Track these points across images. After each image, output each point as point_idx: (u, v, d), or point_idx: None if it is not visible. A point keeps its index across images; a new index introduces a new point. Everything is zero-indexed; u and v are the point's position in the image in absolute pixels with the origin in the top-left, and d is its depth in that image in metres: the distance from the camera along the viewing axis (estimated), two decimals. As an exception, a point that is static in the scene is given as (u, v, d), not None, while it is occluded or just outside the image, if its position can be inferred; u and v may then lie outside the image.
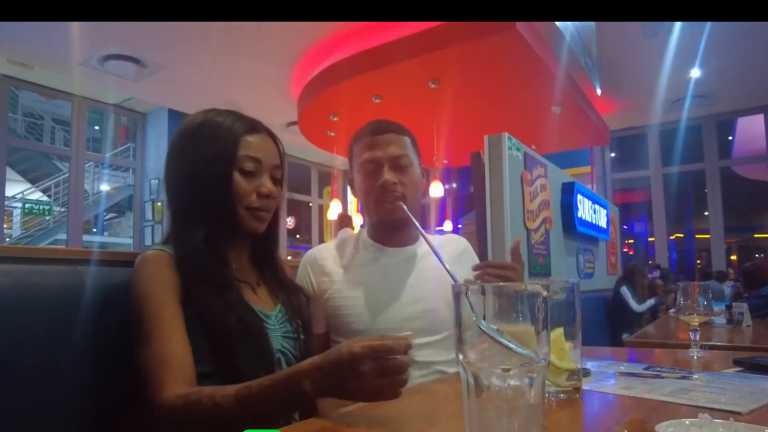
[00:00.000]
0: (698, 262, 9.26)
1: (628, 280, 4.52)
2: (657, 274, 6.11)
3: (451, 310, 1.19)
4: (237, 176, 0.94)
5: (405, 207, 1.07)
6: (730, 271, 6.78)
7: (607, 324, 4.28)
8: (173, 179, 0.98)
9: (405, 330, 1.11)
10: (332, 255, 1.23)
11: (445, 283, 1.16)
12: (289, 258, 1.27)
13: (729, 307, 2.75)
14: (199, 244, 0.91)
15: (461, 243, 1.33)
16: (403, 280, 1.17)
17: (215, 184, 0.93)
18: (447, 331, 1.14)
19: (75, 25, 4.14)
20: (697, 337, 1.16)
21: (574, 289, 0.73)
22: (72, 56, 4.72)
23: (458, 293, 0.46)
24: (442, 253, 1.16)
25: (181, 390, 0.78)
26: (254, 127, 0.98)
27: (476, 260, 1.29)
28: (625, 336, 3.80)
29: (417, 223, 1.03)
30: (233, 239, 0.98)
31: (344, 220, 5.94)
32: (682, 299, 1.20)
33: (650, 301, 4.49)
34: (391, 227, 1.21)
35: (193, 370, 0.83)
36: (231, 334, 0.85)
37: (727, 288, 5.88)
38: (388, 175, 1.14)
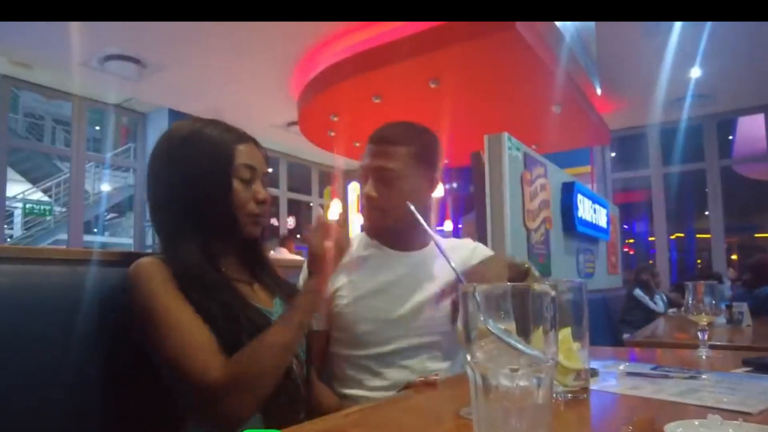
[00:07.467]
0: (698, 261, 9.25)
1: (639, 282, 4.58)
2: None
3: (447, 313, 1.17)
4: (236, 184, 0.94)
5: (415, 210, 1.02)
6: (731, 270, 6.76)
7: (607, 324, 4.27)
8: (162, 191, 0.97)
9: (402, 332, 1.12)
10: None
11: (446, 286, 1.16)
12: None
13: (729, 307, 2.75)
14: (194, 251, 0.91)
15: (473, 246, 1.31)
16: (404, 283, 1.17)
17: (216, 194, 0.93)
18: (441, 335, 1.13)
19: (75, 25, 4.13)
20: (706, 337, 1.15)
21: (582, 289, 0.73)
22: (72, 56, 4.70)
23: (466, 293, 0.45)
24: (453, 257, 1.16)
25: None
26: (242, 136, 0.99)
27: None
28: (626, 336, 3.80)
29: (426, 225, 1.01)
30: (225, 244, 0.98)
31: (284, 241, 5.75)
32: (689, 299, 1.20)
33: (658, 298, 4.57)
34: (383, 233, 1.21)
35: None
36: (241, 332, 0.85)
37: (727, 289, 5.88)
38: (367, 188, 1.15)
